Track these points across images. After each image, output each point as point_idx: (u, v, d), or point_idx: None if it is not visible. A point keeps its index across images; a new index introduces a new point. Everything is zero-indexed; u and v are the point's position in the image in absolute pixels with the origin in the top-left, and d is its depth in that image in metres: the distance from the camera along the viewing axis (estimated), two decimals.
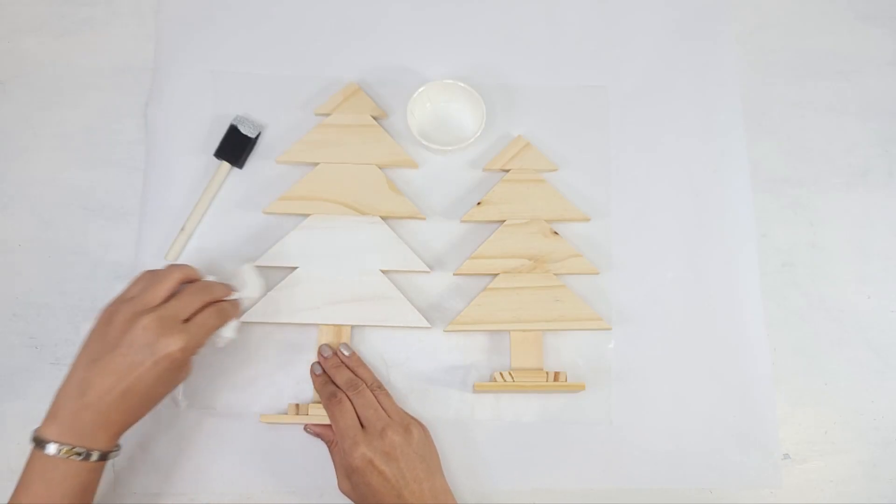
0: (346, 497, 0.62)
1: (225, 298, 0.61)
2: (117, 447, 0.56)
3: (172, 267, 0.59)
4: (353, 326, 0.68)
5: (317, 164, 0.71)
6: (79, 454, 0.53)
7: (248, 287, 0.65)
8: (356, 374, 0.65)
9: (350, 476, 0.60)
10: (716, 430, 0.69)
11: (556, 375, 0.66)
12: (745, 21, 0.80)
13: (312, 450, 0.66)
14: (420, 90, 0.71)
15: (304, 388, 0.68)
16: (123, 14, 0.77)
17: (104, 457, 0.55)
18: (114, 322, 0.55)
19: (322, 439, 0.65)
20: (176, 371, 0.56)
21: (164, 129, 0.74)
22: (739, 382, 0.70)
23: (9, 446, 0.67)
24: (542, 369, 0.67)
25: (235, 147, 0.72)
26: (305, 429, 0.66)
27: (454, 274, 0.70)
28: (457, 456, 0.67)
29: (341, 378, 0.64)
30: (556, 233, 0.70)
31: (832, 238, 0.75)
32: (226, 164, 0.72)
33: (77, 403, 0.53)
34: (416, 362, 0.69)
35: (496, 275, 0.69)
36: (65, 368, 0.67)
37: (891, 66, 0.79)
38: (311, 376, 0.66)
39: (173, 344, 0.54)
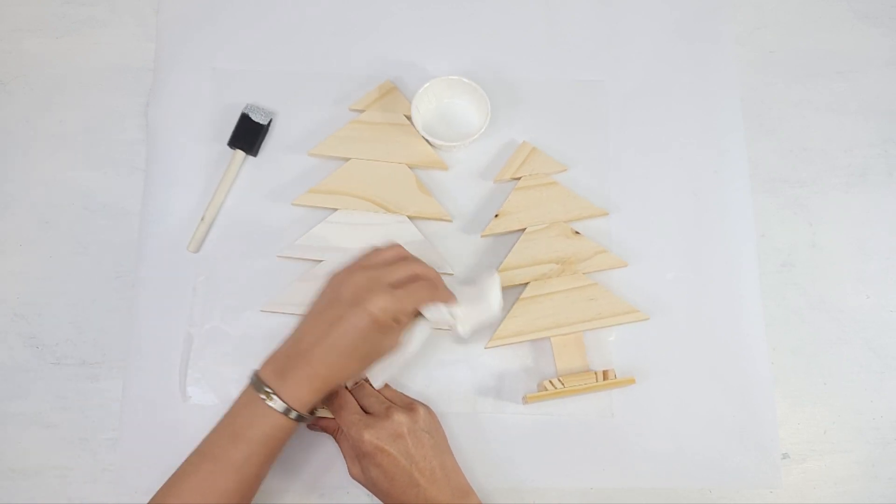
0: (358, 483, 0.62)
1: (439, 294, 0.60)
2: (312, 414, 0.59)
3: (395, 245, 0.62)
4: None
5: (348, 159, 0.71)
6: (274, 402, 0.55)
7: (489, 299, 0.61)
8: None
9: (360, 461, 0.60)
10: (715, 429, 0.69)
11: (605, 374, 0.66)
12: (745, 21, 0.80)
13: (313, 450, 0.67)
14: (425, 86, 0.71)
15: None
16: (123, 14, 0.77)
17: (300, 418, 0.57)
18: (333, 282, 0.59)
19: (327, 432, 0.65)
20: (378, 332, 0.57)
21: (165, 129, 0.74)
22: (739, 382, 0.70)
23: (9, 446, 0.67)
24: (589, 370, 0.66)
25: (248, 135, 0.72)
26: (309, 427, 0.66)
27: None
28: (460, 454, 0.66)
29: None
30: (577, 232, 0.70)
31: (831, 238, 0.75)
32: (240, 153, 0.72)
33: (292, 349, 0.57)
34: (421, 355, 0.69)
35: (527, 284, 0.69)
36: (65, 368, 0.68)
37: (890, 66, 0.80)
38: None
39: (377, 302, 0.55)
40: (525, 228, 0.70)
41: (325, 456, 0.66)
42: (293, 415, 0.56)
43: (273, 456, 0.58)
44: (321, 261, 0.69)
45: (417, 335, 0.62)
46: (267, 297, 0.69)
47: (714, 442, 0.68)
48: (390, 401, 0.62)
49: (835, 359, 0.72)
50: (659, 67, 0.78)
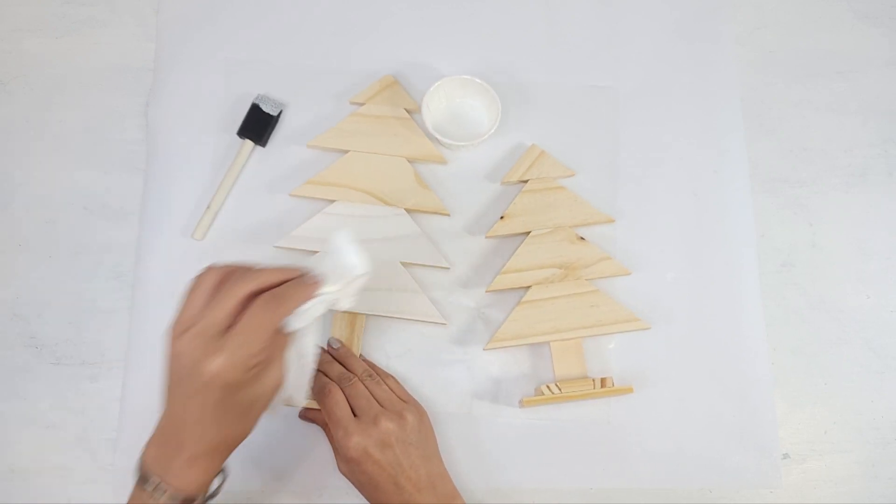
0: (346, 479, 0.62)
1: (289, 279, 0.49)
2: (206, 493, 0.52)
3: (207, 270, 0.49)
4: (367, 315, 0.69)
5: (347, 151, 0.71)
6: (166, 496, 0.49)
7: (345, 265, 0.50)
8: (346, 366, 0.65)
9: (347, 464, 0.60)
10: (715, 429, 0.69)
11: (603, 381, 0.65)
12: (745, 21, 0.80)
13: (312, 449, 0.66)
14: (436, 84, 0.71)
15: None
16: (123, 14, 0.77)
17: (189, 500, 0.50)
18: (166, 348, 0.49)
19: (318, 423, 0.65)
20: (237, 388, 0.47)
21: (165, 129, 0.74)
22: (739, 382, 0.70)
23: (9, 446, 0.67)
24: (587, 377, 0.66)
25: (258, 125, 0.72)
26: (300, 416, 0.66)
27: (486, 291, 0.70)
28: (455, 454, 0.67)
29: (333, 372, 0.64)
30: (582, 238, 0.70)
31: (831, 238, 0.75)
32: (249, 143, 0.72)
33: (166, 428, 0.50)
34: (419, 354, 0.69)
35: (529, 287, 0.69)
36: (65, 368, 0.68)
37: (890, 66, 0.80)
38: None
39: (214, 365, 0.45)
40: (530, 232, 0.70)
41: (325, 455, 0.66)
42: (178, 498, 0.49)
43: None
44: (317, 252, 0.69)
45: (306, 342, 0.52)
46: None
47: (714, 442, 0.68)
48: (380, 403, 0.61)
49: (835, 359, 0.72)
50: (659, 68, 0.78)
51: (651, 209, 0.74)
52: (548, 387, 0.65)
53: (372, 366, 0.68)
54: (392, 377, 0.67)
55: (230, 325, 0.46)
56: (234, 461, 0.66)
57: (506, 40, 0.78)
